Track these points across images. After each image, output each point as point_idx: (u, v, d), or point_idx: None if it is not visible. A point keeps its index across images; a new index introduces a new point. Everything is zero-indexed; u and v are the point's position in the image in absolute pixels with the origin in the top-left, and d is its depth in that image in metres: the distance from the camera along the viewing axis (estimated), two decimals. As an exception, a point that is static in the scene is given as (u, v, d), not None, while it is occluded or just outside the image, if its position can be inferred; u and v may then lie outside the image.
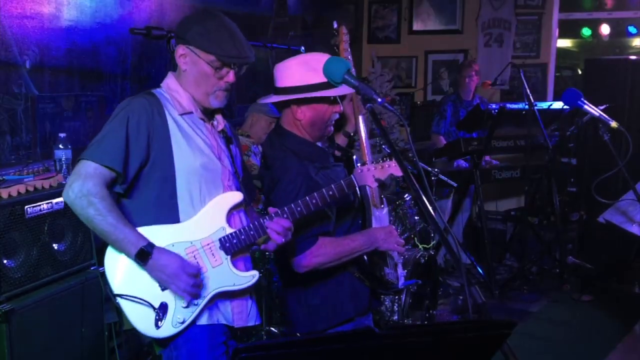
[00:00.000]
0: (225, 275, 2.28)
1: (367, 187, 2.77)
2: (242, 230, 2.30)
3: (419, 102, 7.34)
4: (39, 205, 2.95)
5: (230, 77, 2.31)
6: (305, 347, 1.41)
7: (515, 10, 6.97)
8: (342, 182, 2.43)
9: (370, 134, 3.01)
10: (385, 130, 2.34)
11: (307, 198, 2.36)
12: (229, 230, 2.29)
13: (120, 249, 2.18)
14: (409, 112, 7.32)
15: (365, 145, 2.87)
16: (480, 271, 5.50)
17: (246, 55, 2.32)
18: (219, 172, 2.33)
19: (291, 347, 1.42)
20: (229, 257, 2.29)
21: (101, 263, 3.27)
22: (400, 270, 2.91)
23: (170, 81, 2.36)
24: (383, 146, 5.60)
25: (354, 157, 2.87)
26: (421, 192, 1.86)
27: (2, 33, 3.41)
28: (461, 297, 5.09)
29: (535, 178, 5.82)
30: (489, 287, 5.32)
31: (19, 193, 2.88)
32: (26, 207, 2.88)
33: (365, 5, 7.58)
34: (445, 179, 5.08)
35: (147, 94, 2.31)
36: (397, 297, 4.04)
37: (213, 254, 2.27)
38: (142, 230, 2.20)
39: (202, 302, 2.24)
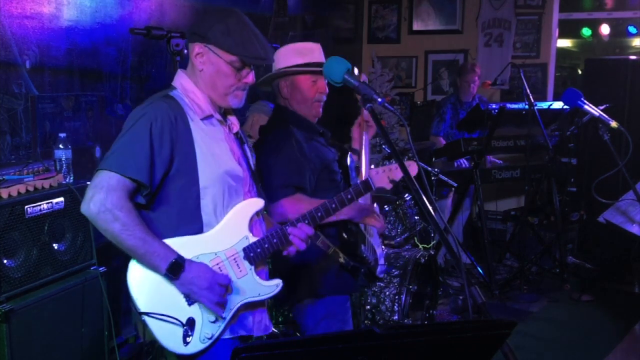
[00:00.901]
0: (251, 285, 2.22)
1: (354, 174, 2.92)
2: (265, 238, 2.24)
3: (419, 102, 7.34)
4: (39, 205, 2.95)
5: (250, 77, 2.23)
6: (305, 347, 1.41)
7: (515, 10, 6.97)
8: (359, 184, 2.47)
9: (370, 134, 3.09)
10: (385, 130, 2.38)
11: (327, 202, 2.38)
12: (252, 239, 2.23)
13: (147, 263, 2.09)
14: (409, 112, 7.32)
15: (365, 162, 2.96)
16: (480, 271, 5.50)
17: (269, 57, 2.25)
18: (241, 178, 2.26)
19: (291, 347, 1.42)
20: (253, 267, 2.23)
21: (101, 263, 3.28)
22: (379, 250, 2.98)
23: (184, 81, 2.25)
24: (383, 146, 5.61)
25: (349, 155, 2.94)
26: (421, 192, 1.86)
27: (2, 33, 3.41)
28: (461, 297, 5.09)
29: (535, 178, 5.82)
30: (489, 287, 5.32)
31: (19, 193, 2.87)
32: (26, 207, 2.88)
33: (365, 5, 7.58)
34: (445, 179, 5.09)
35: (166, 97, 2.19)
36: (397, 297, 4.04)
37: (238, 265, 2.20)
38: (165, 242, 2.12)
39: (229, 315, 2.18)
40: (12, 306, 2.76)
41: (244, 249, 2.21)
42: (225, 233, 2.20)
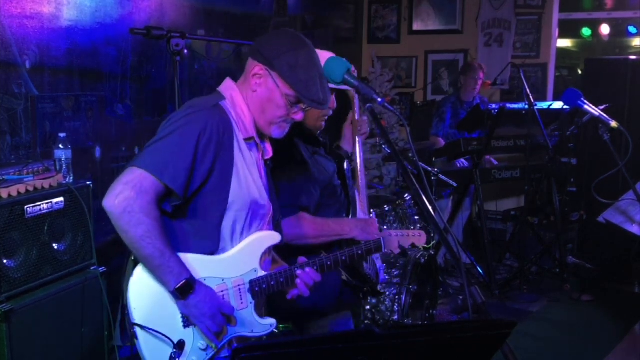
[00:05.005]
0: (247, 320, 2.17)
1: (356, 191, 2.94)
2: (272, 275, 2.18)
3: (419, 102, 7.34)
4: (39, 205, 2.95)
5: (299, 116, 2.16)
6: (305, 347, 1.41)
7: (515, 10, 6.97)
8: (371, 243, 2.49)
9: (370, 134, 3.09)
10: (385, 130, 2.38)
11: (338, 254, 2.36)
12: (260, 273, 2.17)
13: (158, 275, 2.00)
14: (409, 112, 7.32)
15: (360, 166, 2.95)
16: (480, 271, 5.49)
17: (327, 102, 2.14)
18: (267, 209, 2.20)
19: (291, 347, 1.42)
20: (254, 302, 2.17)
21: (101, 263, 3.28)
22: (379, 263, 2.97)
23: (235, 94, 2.16)
24: (383, 146, 5.61)
25: (346, 162, 2.94)
26: (421, 192, 1.86)
27: (2, 33, 3.41)
28: (461, 297, 5.08)
29: (535, 178, 5.82)
30: (489, 287, 5.32)
31: (19, 193, 2.87)
32: (26, 207, 2.88)
33: (365, 5, 7.57)
34: (445, 179, 5.09)
35: (216, 106, 2.09)
36: (397, 297, 4.04)
37: (240, 296, 2.15)
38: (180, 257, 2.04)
39: (219, 346, 2.12)
40: (12, 306, 2.76)
41: (251, 282, 2.16)
42: (237, 261, 2.14)
